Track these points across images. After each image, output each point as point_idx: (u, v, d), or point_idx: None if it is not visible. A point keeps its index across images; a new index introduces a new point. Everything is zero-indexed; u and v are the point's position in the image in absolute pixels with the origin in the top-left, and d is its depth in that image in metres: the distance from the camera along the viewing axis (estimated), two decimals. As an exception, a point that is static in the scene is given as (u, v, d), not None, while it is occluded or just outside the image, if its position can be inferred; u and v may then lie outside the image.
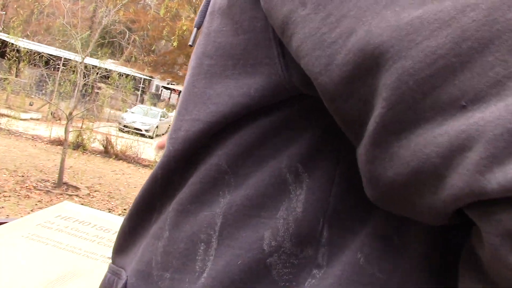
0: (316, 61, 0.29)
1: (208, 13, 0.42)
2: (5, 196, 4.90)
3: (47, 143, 8.93)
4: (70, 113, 6.53)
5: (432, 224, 0.28)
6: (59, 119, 10.21)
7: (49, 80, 9.76)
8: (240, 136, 0.38)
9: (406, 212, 0.30)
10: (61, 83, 8.92)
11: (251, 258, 0.36)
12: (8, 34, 8.11)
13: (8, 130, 8.93)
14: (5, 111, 10.33)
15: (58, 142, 8.82)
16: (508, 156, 0.22)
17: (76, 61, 7.54)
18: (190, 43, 0.45)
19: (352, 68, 0.27)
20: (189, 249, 0.38)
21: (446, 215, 0.26)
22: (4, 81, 8.64)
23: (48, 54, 8.90)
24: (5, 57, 8.58)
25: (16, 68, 8.26)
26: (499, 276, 0.24)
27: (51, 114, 10.93)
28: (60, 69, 10.33)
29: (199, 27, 0.44)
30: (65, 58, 9.99)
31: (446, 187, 0.24)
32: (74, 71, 7.67)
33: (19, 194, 5.14)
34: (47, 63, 9.13)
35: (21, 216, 3.06)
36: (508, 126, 0.22)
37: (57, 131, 8.93)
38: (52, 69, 10.35)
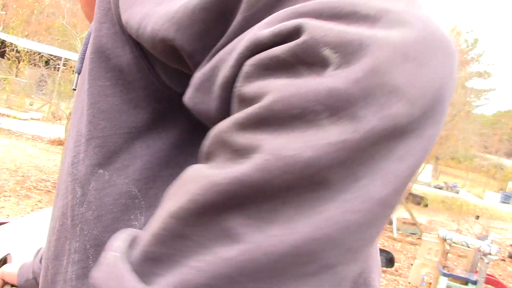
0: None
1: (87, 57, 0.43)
2: (5, 196, 4.90)
3: (47, 143, 8.92)
4: (70, 113, 6.54)
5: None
6: (59, 119, 10.20)
7: (49, 80, 9.75)
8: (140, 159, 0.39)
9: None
10: (61, 83, 8.93)
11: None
12: (8, 34, 8.11)
13: (8, 130, 8.93)
14: (5, 111, 10.33)
15: (58, 142, 8.82)
16: None
17: (76, 61, 7.54)
18: (73, 87, 0.52)
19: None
20: None
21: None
22: (4, 81, 8.65)
23: (48, 54, 8.90)
24: (5, 57, 8.58)
25: (16, 68, 8.26)
26: None
27: (51, 114, 10.92)
28: (60, 69, 10.32)
29: (79, 72, 0.48)
30: (65, 58, 9.99)
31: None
32: (74, 71, 7.67)
33: (19, 194, 5.13)
34: (47, 63, 9.13)
35: (21, 216, 3.06)
36: None
37: (57, 131, 8.93)
38: (52, 69, 10.34)
